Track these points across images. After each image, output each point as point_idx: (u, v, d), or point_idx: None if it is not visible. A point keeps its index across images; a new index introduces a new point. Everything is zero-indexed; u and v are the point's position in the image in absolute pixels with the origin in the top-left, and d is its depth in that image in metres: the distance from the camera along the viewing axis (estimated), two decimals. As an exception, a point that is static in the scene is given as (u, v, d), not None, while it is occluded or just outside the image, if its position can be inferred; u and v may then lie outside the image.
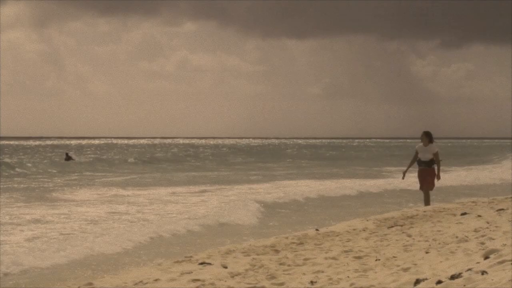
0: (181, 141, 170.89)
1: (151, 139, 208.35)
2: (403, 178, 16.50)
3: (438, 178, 15.62)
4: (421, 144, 15.81)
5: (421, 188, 15.87)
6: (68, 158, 44.59)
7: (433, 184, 15.75)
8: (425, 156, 15.72)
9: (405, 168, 16.42)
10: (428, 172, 15.67)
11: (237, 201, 18.91)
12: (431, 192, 16.10)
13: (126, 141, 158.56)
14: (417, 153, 15.85)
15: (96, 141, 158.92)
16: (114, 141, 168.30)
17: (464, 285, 5.41)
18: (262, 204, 17.82)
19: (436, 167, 15.70)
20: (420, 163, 15.74)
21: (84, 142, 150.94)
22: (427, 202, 15.71)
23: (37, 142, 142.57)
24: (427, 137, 15.76)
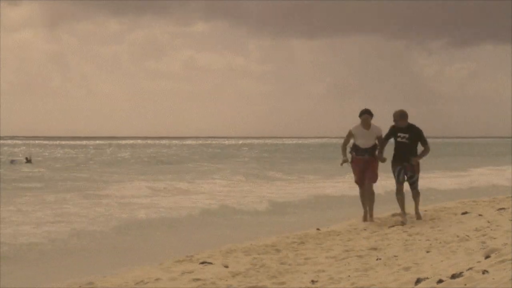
0: (190, 141, 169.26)
1: (159, 139, 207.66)
2: (341, 164, 12.74)
3: (413, 160, 12.14)
4: (359, 126, 12.34)
5: (361, 182, 12.58)
6: (28, 161, 45.15)
7: (376, 177, 12.56)
8: (368, 142, 12.36)
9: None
10: (370, 163, 12.40)
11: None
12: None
13: (140, 141, 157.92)
14: (350, 135, 12.46)
15: (131, 141, 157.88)
16: (140, 141, 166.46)
17: (465, 284, 5.41)
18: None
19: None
20: (360, 151, 12.39)
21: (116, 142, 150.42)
22: (371, 199, 12.58)
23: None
24: (370, 116, 12.32)
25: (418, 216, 12.38)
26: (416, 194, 12.45)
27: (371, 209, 12.63)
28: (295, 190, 21.10)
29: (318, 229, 11.74)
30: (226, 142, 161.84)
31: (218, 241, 10.97)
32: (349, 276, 7.16)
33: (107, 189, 22.90)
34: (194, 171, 36.34)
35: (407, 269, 7.07)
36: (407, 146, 12.11)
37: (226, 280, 7.35)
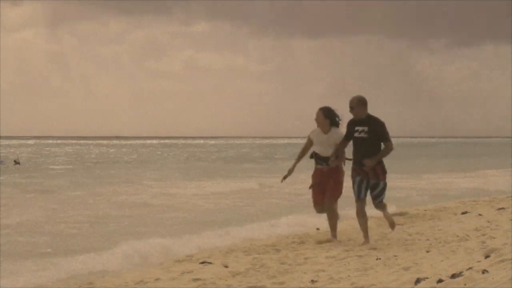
0: (201, 141, 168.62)
1: (160, 139, 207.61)
2: (282, 180, 10.14)
3: (367, 162, 9.35)
4: (317, 130, 9.83)
5: (317, 200, 9.95)
6: (16, 163, 46.04)
7: (339, 191, 9.90)
8: (326, 149, 9.72)
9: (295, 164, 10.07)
10: (331, 173, 9.76)
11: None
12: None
13: (142, 141, 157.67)
14: (310, 142, 9.94)
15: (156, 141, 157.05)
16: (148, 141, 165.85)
17: (465, 284, 5.41)
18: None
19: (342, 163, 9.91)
20: (319, 159, 9.79)
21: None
22: (332, 219, 10.04)
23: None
24: (327, 117, 9.72)
25: (391, 223, 9.80)
26: (382, 209, 9.74)
27: (332, 229, 10.07)
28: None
29: (318, 229, 11.74)
30: (238, 142, 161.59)
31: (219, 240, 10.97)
32: (349, 276, 7.16)
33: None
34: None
35: (407, 269, 7.07)
36: (366, 142, 9.32)
37: (226, 280, 7.35)
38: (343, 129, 9.67)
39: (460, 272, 5.89)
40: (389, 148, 9.40)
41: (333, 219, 9.98)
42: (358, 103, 9.39)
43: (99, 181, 27.88)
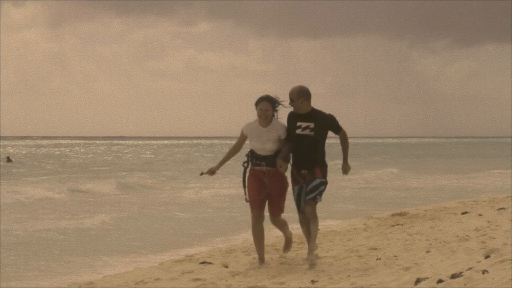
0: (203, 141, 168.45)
1: (161, 140, 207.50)
2: (201, 174, 8.27)
3: (346, 171, 8.05)
4: (254, 122, 8.05)
5: (256, 205, 8.02)
6: (9, 160, 47.18)
7: (281, 205, 8.10)
8: (265, 146, 7.94)
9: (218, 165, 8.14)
10: (275, 179, 7.96)
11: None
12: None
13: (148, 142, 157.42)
14: (243, 138, 8.09)
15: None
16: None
17: (465, 284, 5.41)
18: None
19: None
20: (257, 159, 7.98)
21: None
22: (284, 234, 8.48)
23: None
24: (272, 105, 7.98)
25: (310, 260, 7.90)
26: (310, 216, 7.87)
27: (287, 246, 8.56)
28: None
29: (318, 229, 11.74)
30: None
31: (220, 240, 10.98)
32: (349, 276, 7.16)
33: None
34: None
35: (407, 269, 7.07)
36: (311, 142, 7.81)
37: (226, 280, 7.35)
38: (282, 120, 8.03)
39: (460, 272, 5.89)
40: (347, 138, 8.05)
41: (287, 231, 8.43)
42: (299, 95, 7.82)
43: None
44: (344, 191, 22.48)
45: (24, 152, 74.11)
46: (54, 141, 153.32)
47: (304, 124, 7.84)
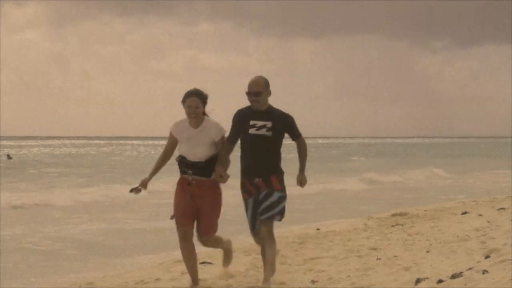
0: None
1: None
2: (131, 191, 6.72)
3: (302, 183, 6.81)
4: (183, 122, 6.76)
5: (184, 221, 6.66)
6: (9, 157, 47.84)
7: (214, 222, 6.76)
8: (196, 150, 6.63)
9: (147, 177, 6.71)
10: (203, 189, 6.65)
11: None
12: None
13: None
14: (173, 141, 6.77)
15: None
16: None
17: (465, 284, 5.41)
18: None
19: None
20: (185, 166, 6.67)
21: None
22: (220, 245, 7.15)
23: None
24: (202, 101, 6.66)
25: (225, 257, 7.31)
26: (266, 237, 6.60)
27: (226, 258, 7.43)
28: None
29: (318, 229, 11.74)
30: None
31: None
32: (349, 276, 7.16)
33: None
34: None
35: (407, 269, 7.07)
36: (267, 144, 6.62)
37: (226, 280, 7.35)
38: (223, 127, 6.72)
39: (460, 272, 5.89)
40: (306, 146, 6.84)
41: (223, 245, 7.18)
42: (266, 87, 6.63)
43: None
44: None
45: (57, 152, 74.13)
46: (61, 141, 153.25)
47: (259, 123, 6.59)
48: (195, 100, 6.59)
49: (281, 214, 6.65)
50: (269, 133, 6.59)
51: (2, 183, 26.02)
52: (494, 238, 8.34)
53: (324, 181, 26.25)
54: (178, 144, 6.75)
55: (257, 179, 6.61)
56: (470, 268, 6.04)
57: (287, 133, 6.72)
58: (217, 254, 9.26)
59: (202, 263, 8.48)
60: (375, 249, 8.97)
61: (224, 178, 6.55)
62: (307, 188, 7.67)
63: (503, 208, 12.69)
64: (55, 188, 24.27)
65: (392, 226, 11.63)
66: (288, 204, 6.65)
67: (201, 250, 10.17)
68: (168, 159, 6.86)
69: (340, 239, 10.28)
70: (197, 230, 6.75)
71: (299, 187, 6.86)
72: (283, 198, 6.64)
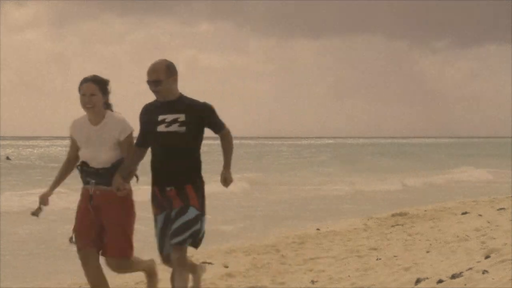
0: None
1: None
2: (32, 214, 5.53)
3: (227, 181, 5.44)
4: (80, 119, 5.54)
5: (84, 241, 5.45)
6: (8, 158, 48.35)
7: (128, 239, 5.54)
8: (98, 153, 5.40)
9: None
10: (109, 202, 5.39)
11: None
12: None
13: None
14: (73, 143, 5.59)
15: None
16: None
17: (465, 284, 5.41)
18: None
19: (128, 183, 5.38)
20: (87, 174, 5.44)
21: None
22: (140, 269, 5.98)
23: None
24: (105, 93, 5.49)
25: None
26: (177, 266, 5.39)
27: (150, 282, 6.25)
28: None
29: (318, 229, 11.74)
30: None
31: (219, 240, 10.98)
32: (349, 276, 7.16)
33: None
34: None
35: (407, 269, 7.07)
36: (181, 142, 5.28)
37: (226, 280, 7.35)
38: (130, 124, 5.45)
39: (460, 272, 5.89)
40: (231, 139, 5.51)
41: (142, 266, 6.00)
42: (170, 73, 5.28)
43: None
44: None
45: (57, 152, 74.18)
46: (61, 141, 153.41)
47: (169, 117, 5.23)
48: (91, 87, 5.32)
49: (194, 237, 5.21)
50: (182, 129, 5.22)
51: (3, 182, 26.04)
52: (494, 238, 8.34)
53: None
54: (76, 147, 5.50)
55: (168, 189, 5.22)
56: (470, 268, 6.04)
57: (207, 126, 5.36)
58: (217, 254, 9.28)
59: (202, 263, 8.48)
60: (375, 249, 8.97)
61: (121, 190, 5.22)
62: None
63: (503, 208, 12.70)
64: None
65: (392, 226, 11.63)
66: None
67: (200, 250, 10.20)
68: (73, 168, 5.56)
69: (340, 239, 10.28)
70: (103, 253, 5.49)
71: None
72: (199, 217, 5.25)
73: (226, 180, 5.42)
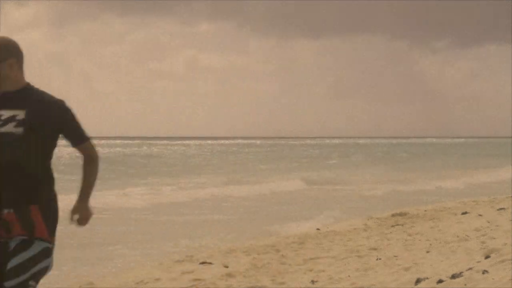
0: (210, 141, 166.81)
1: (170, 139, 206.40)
2: None
3: (82, 219, 3.93)
4: None
5: None
6: None
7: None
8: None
9: None
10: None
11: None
12: None
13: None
14: None
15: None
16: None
17: (465, 284, 5.41)
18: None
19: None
20: None
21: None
22: None
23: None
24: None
25: None
26: None
27: None
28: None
29: (318, 229, 11.74)
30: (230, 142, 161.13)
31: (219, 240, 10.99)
32: (349, 276, 7.16)
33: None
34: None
35: (407, 269, 7.07)
36: (20, 148, 3.71)
37: (226, 280, 7.35)
38: None
39: (460, 272, 5.89)
40: (97, 158, 3.96)
41: None
42: (8, 54, 3.89)
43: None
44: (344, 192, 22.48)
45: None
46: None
47: (6, 114, 3.77)
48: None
49: (35, 279, 3.63)
50: (19, 130, 3.71)
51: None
52: (494, 238, 8.34)
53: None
54: None
55: (6, 211, 3.68)
56: (470, 268, 6.04)
57: (59, 132, 3.84)
58: (217, 254, 9.28)
59: (202, 263, 8.49)
60: (375, 249, 8.97)
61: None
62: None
63: (503, 208, 12.69)
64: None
65: (392, 226, 11.63)
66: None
67: (199, 250, 10.20)
68: None
69: (340, 239, 10.28)
70: None
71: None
72: (46, 251, 3.72)
73: (82, 217, 3.98)
